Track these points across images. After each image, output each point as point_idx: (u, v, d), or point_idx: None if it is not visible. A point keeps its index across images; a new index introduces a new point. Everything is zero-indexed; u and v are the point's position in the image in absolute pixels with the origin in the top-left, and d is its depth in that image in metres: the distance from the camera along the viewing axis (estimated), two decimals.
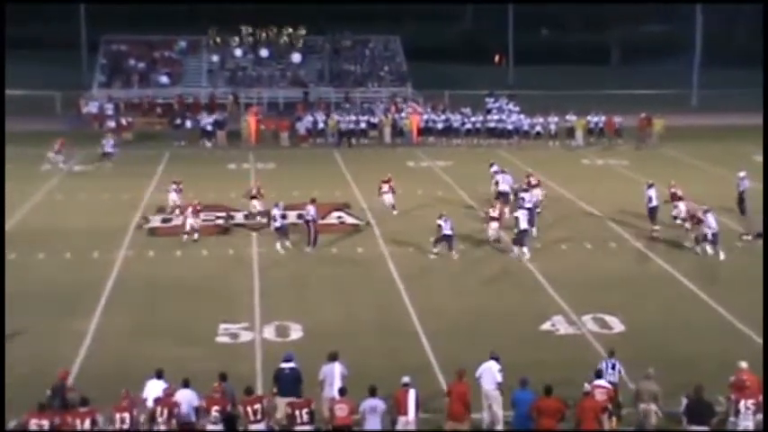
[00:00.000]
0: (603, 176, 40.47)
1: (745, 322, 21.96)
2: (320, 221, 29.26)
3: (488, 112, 51.78)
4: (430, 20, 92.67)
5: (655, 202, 29.95)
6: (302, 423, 15.39)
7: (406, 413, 15.69)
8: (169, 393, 15.64)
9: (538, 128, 49.50)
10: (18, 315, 21.61)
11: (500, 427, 16.51)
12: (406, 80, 61.06)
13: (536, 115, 50.01)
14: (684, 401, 15.90)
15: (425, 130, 49.68)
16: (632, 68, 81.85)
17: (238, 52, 61.90)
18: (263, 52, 61.93)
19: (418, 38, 75.03)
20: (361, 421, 15.69)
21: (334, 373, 16.50)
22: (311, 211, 28.30)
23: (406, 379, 15.97)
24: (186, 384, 15.99)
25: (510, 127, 49.49)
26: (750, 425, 15.72)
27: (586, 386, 16.12)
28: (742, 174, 33.13)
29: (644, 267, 26.96)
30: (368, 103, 56.22)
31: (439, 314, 22.56)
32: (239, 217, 31.99)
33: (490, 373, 16.64)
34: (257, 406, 15.51)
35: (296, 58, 61.89)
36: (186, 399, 15.71)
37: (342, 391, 15.78)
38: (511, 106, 53.01)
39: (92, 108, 54.91)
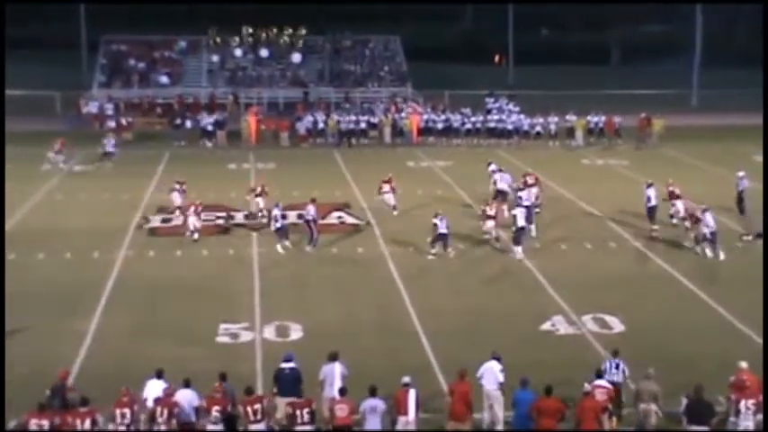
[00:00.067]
0: (603, 176, 40.48)
1: (745, 322, 21.97)
2: (320, 221, 29.28)
3: (488, 112, 51.79)
4: (430, 20, 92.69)
5: (654, 202, 29.96)
6: (303, 423, 15.39)
7: (406, 413, 15.69)
8: (169, 393, 15.65)
9: (538, 128, 49.51)
10: (18, 315, 21.61)
11: (500, 427, 16.51)
12: (406, 80, 61.06)
13: (536, 115, 50.02)
14: (684, 401, 15.90)
15: (425, 130, 49.70)
16: (632, 68, 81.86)
17: (238, 52, 61.90)
18: (264, 52, 61.92)
19: (418, 38, 75.04)
20: (362, 421, 15.69)
21: (335, 373, 16.49)
22: (311, 210, 28.32)
23: (406, 379, 15.97)
24: (187, 384, 16.00)
25: (510, 127, 49.49)
26: (750, 425, 15.73)
27: (586, 386, 16.12)
28: (741, 174, 33.16)
29: (644, 267, 26.97)
30: (368, 103, 56.22)
31: (439, 314, 22.56)
32: (239, 217, 32.01)
33: (492, 373, 16.64)
34: (257, 406, 15.52)
35: (296, 58, 61.88)
36: (186, 399, 15.72)
37: (342, 391, 15.79)
38: (511, 106, 53.01)
39: (92, 108, 54.94)
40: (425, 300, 23.67)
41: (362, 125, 49.86)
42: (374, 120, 50.58)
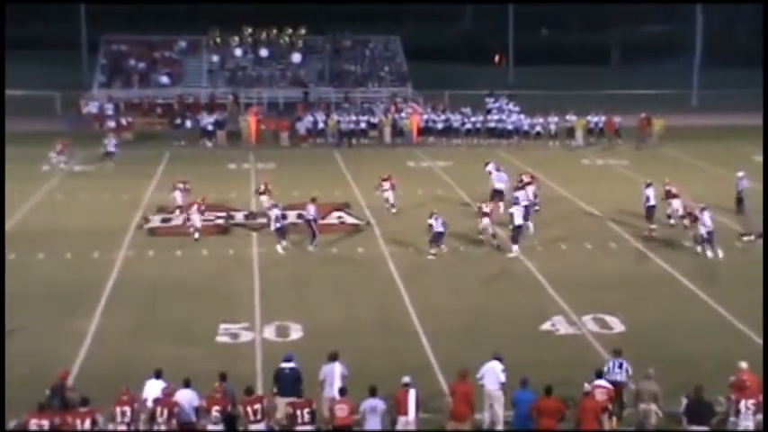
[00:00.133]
0: (603, 176, 40.48)
1: (745, 322, 21.97)
2: (320, 221, 29.28)
3: (488, 112, 51.76)
4: (430, 20, 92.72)
5: (652, 202, 29.99)
6: (303, 423, 15.40)
7: (406, 413, 15.69)
8: (168, 393, 15.65)
9: (538, 128, 49.48)
10: (18, 315, 21.62)
11: (500, 427, 16.51)
12: (406, 80, 61.02)
13: (536, 115, 49.99)
14: (684, 401, 15.91)
15: (425, 130, 49.68)
16: (632, 68, 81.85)
17: (238, 52, 61.86)
18: (264, 52, 61.87)
19: (418, 38, 75.02)
20: (362, 421, 15.69)
21: (335, 373, 16.50)
22: (311, 210, 28.33)
23: (406, 379, 15.98)
24: (187, 384, 16.00)
25: (510, 127, 49.47)
26: (750, 425, 15.74)
27: (586, 386, 16.13)
28: (740, 174, 33.21)
29: (644, 267, 26.97)
30: (368, 103, 56.18)
31: (439, 314, 22.57)
32: (239, 217, 32.02)
33: (493, 373, 16.63)
34: (257, 406, 15.53)
35: (296, 58, 61.85)
36: (187, 399, 15.73)
37: (342, 391, 15.79)
38: (511, 106, 52.98)
39: (92, 108, 54.90)
40: (425, 300, 23.68)
41: (362, 125, 49.83)
42: (374, 120, 50.55)
